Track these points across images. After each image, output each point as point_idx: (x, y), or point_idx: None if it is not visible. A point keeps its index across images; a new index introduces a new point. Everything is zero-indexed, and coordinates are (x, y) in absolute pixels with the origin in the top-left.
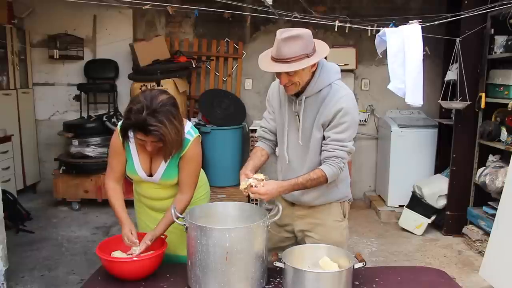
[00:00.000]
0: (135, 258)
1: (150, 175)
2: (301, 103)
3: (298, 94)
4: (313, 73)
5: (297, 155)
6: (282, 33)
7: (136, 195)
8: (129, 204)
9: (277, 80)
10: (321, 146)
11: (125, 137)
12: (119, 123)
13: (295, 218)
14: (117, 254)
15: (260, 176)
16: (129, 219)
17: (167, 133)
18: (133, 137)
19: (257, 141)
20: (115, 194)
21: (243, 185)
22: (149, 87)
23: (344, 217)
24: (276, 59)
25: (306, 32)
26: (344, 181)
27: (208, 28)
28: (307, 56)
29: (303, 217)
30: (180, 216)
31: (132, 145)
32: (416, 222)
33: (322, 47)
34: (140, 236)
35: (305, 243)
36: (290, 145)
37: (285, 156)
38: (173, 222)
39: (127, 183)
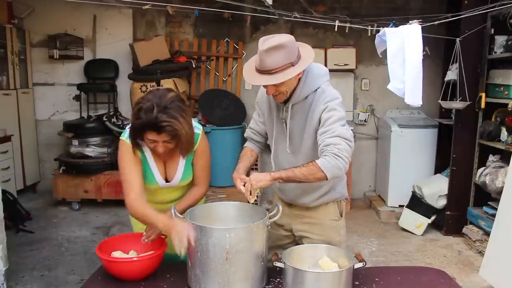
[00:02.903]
0: (135, 258)
1: (166, 180)
2: (288, 110)
3: (285, 101)
4: (299, 79)
5: (288, 162)
6: (264, 42)
7: None
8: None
9: None
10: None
11: (136, 143)
12: (123, 135)
13: (292, 217)
14: (117, 254)
15: None
16: (171, 217)
17: (181, 128)
18: (145, 143)
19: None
20: (146, 208)
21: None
22: (149, 87)
23: (341, 216)
24: (260, 71)
25: (289, 39)
26: (341, 182)
27: (208, 28)
28: (292, 64)
29: (300, 216)
30: (180, 216)
31: (148, 154)
32: (416, 222)
33: (306, 52)
34: (137, 237)
35: (303, 243)
36: (280, 152)
37: (272, 163)
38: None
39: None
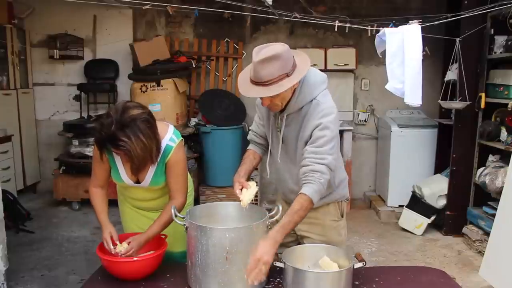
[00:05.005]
0: (135, 258)
1: (137, 181)
2: (282, 119)
3: (280, 111)
4: (295, 89)
5: (282, 169)
6: (258, 53)
7: (121, 196)
8: (113, 204)
9: None
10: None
11: (101, 149)
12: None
13: None
14: None
15: (253, 186)
16: (109, 223)
17: (133, 149)
18: None
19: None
20: (97, 198)
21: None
22: (149, 87)
23: (342, 216)
24: (255, 82)
25: (283, 49)
26: (342, 182)
27: (208, 28)
28: (287, 75)
29: None
30: (180, 216)
31: (115, 154)
32: (416, 222)
33: (302, 60)
34: (126, 238)
35: (304, 243)
36: (274, 160)
37: (267, 169)
38: (167, 225)
39: (112, 183)
